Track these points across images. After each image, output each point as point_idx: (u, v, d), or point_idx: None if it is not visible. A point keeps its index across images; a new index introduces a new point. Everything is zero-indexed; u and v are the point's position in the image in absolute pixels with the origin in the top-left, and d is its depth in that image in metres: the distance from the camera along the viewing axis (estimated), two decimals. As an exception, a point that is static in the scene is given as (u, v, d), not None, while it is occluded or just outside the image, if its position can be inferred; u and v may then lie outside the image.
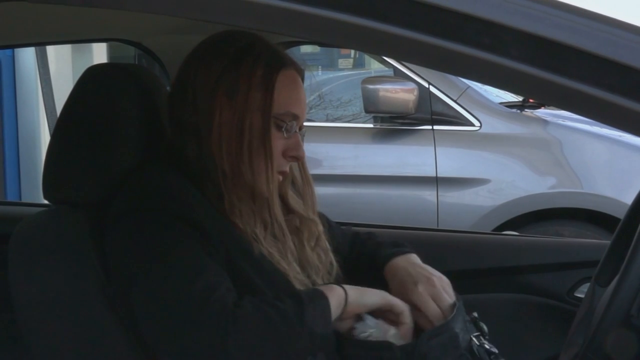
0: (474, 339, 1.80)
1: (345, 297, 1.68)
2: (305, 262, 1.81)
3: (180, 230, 1.61)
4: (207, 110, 1.71)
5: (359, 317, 1.73)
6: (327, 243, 1.88)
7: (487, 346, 1.79)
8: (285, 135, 1.73)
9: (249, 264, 1.68)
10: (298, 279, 1.75)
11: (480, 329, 1.85)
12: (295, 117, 1.74)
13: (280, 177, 1.77)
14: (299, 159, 1.77)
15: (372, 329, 1.71)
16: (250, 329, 1.53)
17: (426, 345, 1.71)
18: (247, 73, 1.71)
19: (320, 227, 1.87)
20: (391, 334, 1.74)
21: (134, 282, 1.60)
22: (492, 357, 1.78)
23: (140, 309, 1.60)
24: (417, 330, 1.79)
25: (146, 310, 1.59)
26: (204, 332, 1.52)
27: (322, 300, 1.63)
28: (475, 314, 1.88)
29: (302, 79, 1.81)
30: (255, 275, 1.67)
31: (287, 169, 1.78)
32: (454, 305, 1.80)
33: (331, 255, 1.88)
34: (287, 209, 1.84)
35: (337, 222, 2.09)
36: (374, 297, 1.74)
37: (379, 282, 1.86)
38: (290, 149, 1.74)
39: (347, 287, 1.70)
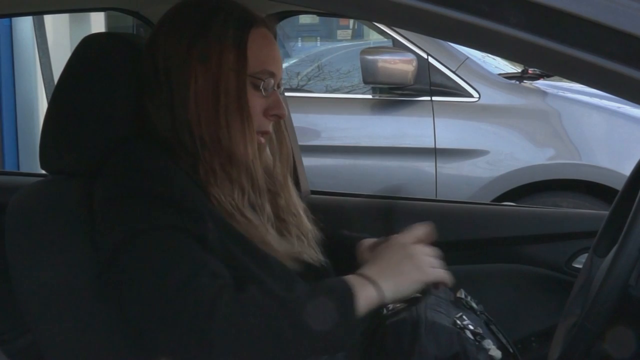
0: (457, 321, 1.79)
1: (379, 296, 1.57)
2: (282, 229, 1.79)
3: (164, 216, 1.56)
4: (181, 79, 1.67)
5: None
6: (298, 207, 1.84)
7: (471, 327, 1.79)
8: (264, 94, 1.71)
9: (235, 244, 1.63)
10: (282, 251, 1.72)
11: (470, 308, 1.84)
12: (272, 75, 1.72)
13: (262, 139, 1.75)
14: (280, 116, 1.75)
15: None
16: (238, 318, 1.47)
17: (382, 326, 1.69)
18: (217, 35, 1.68)
19: (293, 191, 1.85)
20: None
21: (117, 267, 1.57)
22: (477, 337, 1.78)
23: (123, 296, 1.58)
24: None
25: (128, 299, 1.56)
26: (185, 322, 1.47)
27: (347, 294, 1.53)
28: (463, 294, 1.88)
29: (275, 37, 1.79)
30: (244, 255, 1.63)
31: (269, 128, 1.75)
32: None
33: (303, 218, 1.84)
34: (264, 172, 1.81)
35: (336, 193, 2.08)
36: (411, 287, 1.62)
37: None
38: (271, 108, 1.72)
39: (381, 283, 1.57)
